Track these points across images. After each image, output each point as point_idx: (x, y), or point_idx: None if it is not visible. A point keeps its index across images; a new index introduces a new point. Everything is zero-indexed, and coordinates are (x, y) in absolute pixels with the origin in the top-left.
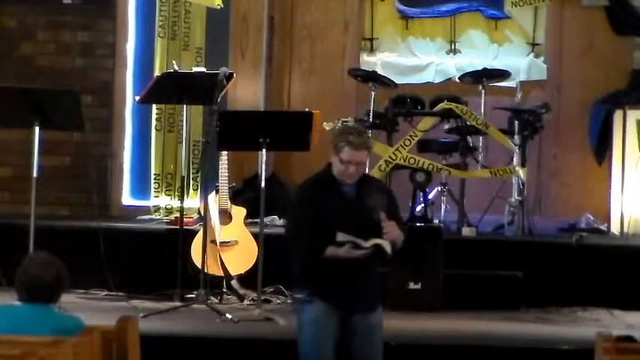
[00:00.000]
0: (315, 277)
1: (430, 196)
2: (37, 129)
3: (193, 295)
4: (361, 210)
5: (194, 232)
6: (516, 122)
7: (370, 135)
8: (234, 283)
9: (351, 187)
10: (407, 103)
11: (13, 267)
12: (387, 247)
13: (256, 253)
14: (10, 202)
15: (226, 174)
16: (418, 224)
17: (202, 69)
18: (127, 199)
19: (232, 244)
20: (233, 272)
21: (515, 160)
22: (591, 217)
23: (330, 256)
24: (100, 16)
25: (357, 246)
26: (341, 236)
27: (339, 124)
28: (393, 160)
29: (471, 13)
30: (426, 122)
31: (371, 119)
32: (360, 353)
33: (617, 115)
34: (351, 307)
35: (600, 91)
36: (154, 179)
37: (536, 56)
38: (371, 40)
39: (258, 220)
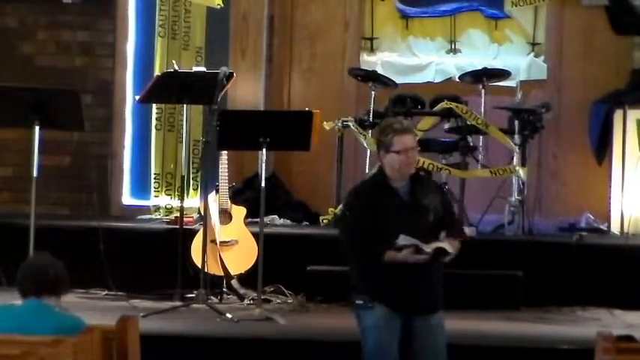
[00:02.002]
0: (374, 281)
1: None
2: (37, 128)
3: (193, 295)
4: (417, 210)
5: (194, 232)
6: (516, 122)
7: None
8: (234, 282)
9: (404, 188)
10: (407, 102)
11: (13, 267)
12: (449, 248)
13: (256, 253)
14: (10, 201)
15: (226, 173)
16: None
17: (202, 69)
18: (127, 198)
19: (232, 243)
20: (233, 272)
21: (516, 159)
22: (591, 217)
23: (389, 260)
24: (100, 16)
25: (418, 249)
26: (402, 239)
27: (340, 124)
28: None
29: (471, 13)
30: (426, 122)
31: (371, 119)
32: (421, 357)
33: (617, 115)
34: (411, 310)
35: (600, 91)
36: (154, 179)
37: (537, 56)
38: (371, 39)
39: (258, 219)
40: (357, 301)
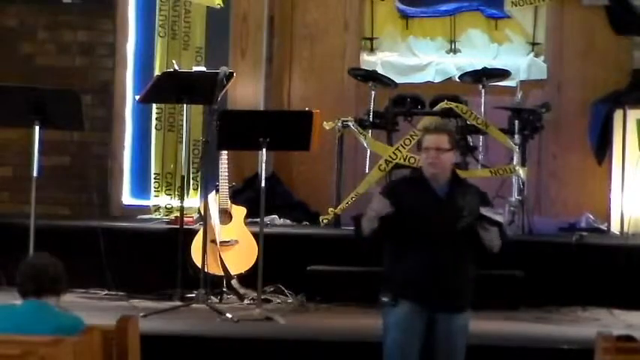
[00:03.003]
0: (401, 277)
1: None
2: (37, 128)
3: (193, 295)
4: (451, 208)
5: (194, 232)
6: (516, 122)
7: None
8: (234, 282)
9: (442, 187)
10: (407, 102)
11: (13, 267)
12: (497, 217)
13: (256, 253)
14: (10, 201)
15: (226, 173)
16: None
17: (202, 68)
18: (127, 198)
19: (232, 243)
20: (233, 272)
21: (516, 159)
22: (591, 217)
23: (364, 226)
24: (100, 16)
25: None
26: (484, 210)
27: (340, 124)
28: (393, 159)
29: (471, 13)
30: (426, 122)
31: (371, 119)
32: (439, 357)
33: (617, 115)
34: (436, 307)
35: (600, 91)
36: (154, 179)
37: (537, 56)
38: (371, 39)
39: (258, 219)
40: (382, 299)
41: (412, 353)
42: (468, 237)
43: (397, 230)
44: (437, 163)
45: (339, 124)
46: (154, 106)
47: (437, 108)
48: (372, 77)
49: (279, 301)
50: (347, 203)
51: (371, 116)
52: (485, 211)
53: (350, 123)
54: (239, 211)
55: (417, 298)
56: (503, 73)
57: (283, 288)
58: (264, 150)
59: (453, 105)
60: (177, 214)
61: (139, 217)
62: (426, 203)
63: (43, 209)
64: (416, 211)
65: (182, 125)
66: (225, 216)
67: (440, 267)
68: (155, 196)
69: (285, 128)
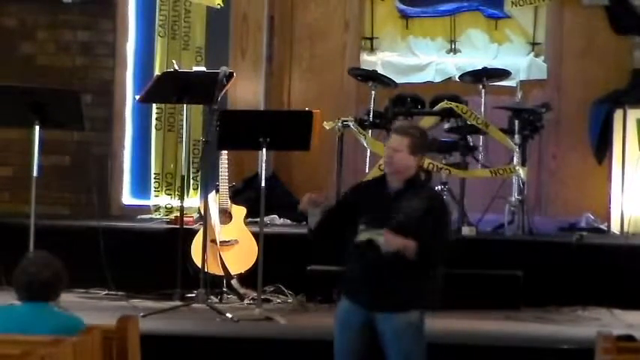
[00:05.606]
0: (345, 274)
1: None
2: (37, 128)
3: (193, 295)
4: (393, 210)
5: (194, 232)
6: (516, 122)
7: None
8: (234, 282)
9: (396, 188)
10: (407, 102)
11: (13, 267)
12: (383, 244)
13: (256, 253)
14: (10, 201)
15: (226, 173)
16: None
17: (202, 68)
18: (127, 198)
19: (232, 243)
20: (233, 271)
21: (516, 159)
22: (591, 217)
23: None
24: (100, 16)
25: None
26: (363, 235)
27: (340, 124)
28: None
29: (471, 13)
30: (426, 122)
31: (371, 119)
32: (388, 356)
33: (617, 115)
34: (369, 305)
35: (600, 91)
36: (154, 178)
37: (537, 56)
38: (371, 39)
39: (258, 219)
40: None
41: (346, 349)
42: (409, 237)
43: (348, 226)
44: (391, 163)
45: (339, 124)
46: (154, 106)
47: (437, 108)
48: (372, 77)
49: (279, 301)
50: None
51: (371, 116)
52: (369, 234)
53: (350, 123)
54: (239, 211)
55: (352, 296)
56: (503, 73)
57: (283, 288)
58: (264, 150)
59: (453, 105)
60: (177, 214)
61: (139, 217)
62: (375, 201)
63: (43, 209)
64: (365, 209)
65: (182, 125)
66: (225, 216)
67: (377, 266)
68: (155, 196)
69: (285, 128)
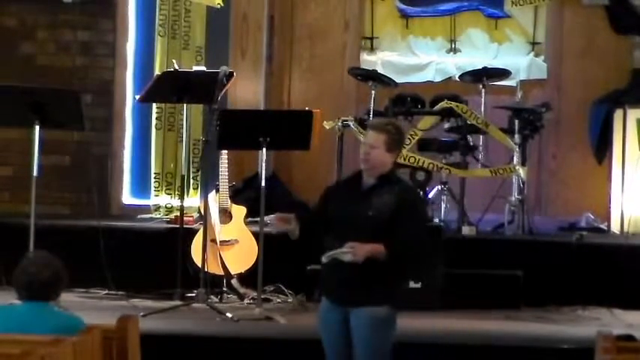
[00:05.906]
0: (322, 274)
1: (430, 195)
2: (37, 128)
3: (193, 294)
4: (363, 206)
5: (194, 231)
6: (516, 121)
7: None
8: (234, 282)
9: (369, 184)
10: (407, 102)
11: (13, 266)
12: (346, 257)
13: (256, 252)
14: (10, 201)
15: (226, 173)
16: None
17: (202, 68)
18: (127, 198)
19: (232, 243)
20: (233, 271)
21: (516, 159)
22: (591, 217)
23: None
24: (100, 16)
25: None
26: (325, 258)
27: (340, 124)
28: None
29: (471, 12)
30: (426, 121)
31: (371, 118)
32: (355, 351)
33: (617, 115)
34: (341, 301)
35: (600, 91)
36: (154, 178)
37: (537, 55)
38: (371, 39)
39: (258, 219)
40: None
41: (330, 347)
42: (378, 233)
43: (327, 225)
44: (367, 159)
45: (339, 123)
46: (154, 105)
47: (437, 107)
48: (372, 77)
49: (279, 300)
50: None
51: (371, 116)
52: (333, 253)
53: (350, 122)
54: (239, 211)
55: (328, 295)
56: (504, 73)
57: (283, 288)
58: (264, 150)
59: (453, 104)
60: (177, 213)
61: (139, 216)
62: (347, 198)
63: (43, 209)
64: (337, 205)
65: (182, 125)
66: (225, 215)
67: (348, 264)
68: (155, 195)
69: (285, 128)
